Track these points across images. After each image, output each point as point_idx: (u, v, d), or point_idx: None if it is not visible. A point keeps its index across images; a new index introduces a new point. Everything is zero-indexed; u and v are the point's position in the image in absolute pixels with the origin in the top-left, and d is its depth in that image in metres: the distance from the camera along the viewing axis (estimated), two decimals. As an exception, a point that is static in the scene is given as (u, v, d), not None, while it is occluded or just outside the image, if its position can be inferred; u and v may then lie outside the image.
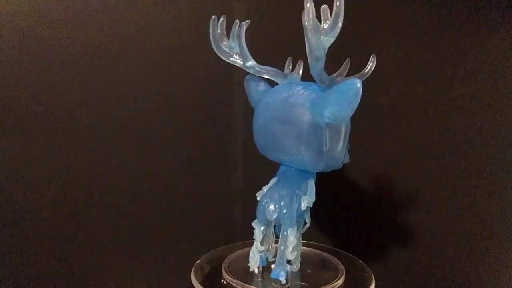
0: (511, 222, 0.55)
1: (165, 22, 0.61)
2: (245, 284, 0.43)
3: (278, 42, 0.62)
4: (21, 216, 0.56)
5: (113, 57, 0.59)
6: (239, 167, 0.69)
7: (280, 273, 0.41)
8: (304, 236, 0.48)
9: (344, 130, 0.43)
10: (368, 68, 0.44)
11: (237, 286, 0.43)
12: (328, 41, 0.38)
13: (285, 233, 0.42)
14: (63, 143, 0.58)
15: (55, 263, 0.58)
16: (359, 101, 0.37)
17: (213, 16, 0.43)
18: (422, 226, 0.60)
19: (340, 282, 0.45)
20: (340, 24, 0.36)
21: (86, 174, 0.59)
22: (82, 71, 0.57)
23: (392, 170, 0.61)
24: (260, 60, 0.45)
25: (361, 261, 0.51)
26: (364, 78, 0.44)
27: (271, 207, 0.41)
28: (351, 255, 0.53)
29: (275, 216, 0.41)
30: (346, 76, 0.44)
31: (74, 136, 0.58)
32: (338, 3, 0.36)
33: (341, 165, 0.45)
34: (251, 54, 0.44)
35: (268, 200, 0.42)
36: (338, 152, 0.43)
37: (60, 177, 0.58)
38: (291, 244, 0.41)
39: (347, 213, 0.65)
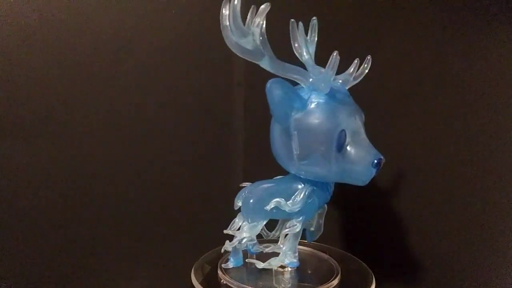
0: None
1: (165, 22, 0.61)
2: (242, 285, 0.43)
3: (280, 41, 0.62)
4: (21, 216, 0.56)
5: (113, 58, 0.59)
6: (239, 167, 0.69)
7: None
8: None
9: (314, 137, 0.39)
10: (352, 69, 0.43)
11: (234, 286, 0.43)
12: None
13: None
14: (63, 143, 0.58)
15: (55, 263, 0.58)
16: (271, 100, 0.38)
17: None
18: (422, 226, 0.60)
19: (335, 282, 0.45)
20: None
21: (86, 174, 0.59)
22: (82, 72, 0.57)
23: (392, 169, 0.61)
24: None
25: (360, 261, 0.51)
26: (353, 78, 0.43)
27: (236, 197, 0.46)
28: (350, 255, 0.53)
29: (236, 205, 0.46)
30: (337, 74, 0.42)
31: (74, 136, 0.58)
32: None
33: (363, 182, 0.40)
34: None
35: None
36: (311, 160, 0.40)
37: (60, 177, 0.58)
38: (239, 235, 0.44)
39: (347, 213, 0.65)
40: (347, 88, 0.43)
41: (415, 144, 0.60)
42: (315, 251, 0.53)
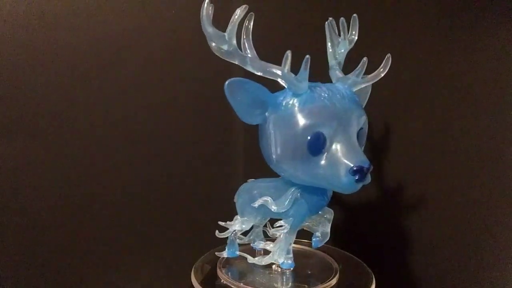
0: None
1: (164, 22, 0.61)
2: (242, 284, 0.43)
3: (280, 41, 0.62)
4: (21, 216, 0.56)
5: (113, 58, 0.59)
6: (239, 167, 0.69)
7: None
8: (304, 235, 0.48)
9: (287, 138, 0.38)
10: (358, 71, 0.40)
11: (234, 286, 0.43)
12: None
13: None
14: (63, 144, 0.58)
15: (55, 263, 0.58)
16: (229, 99, 0.38)
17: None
18: (423, 225, 0.60)
19: (334, 281, 0.45)
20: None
21: (86, 174, 0.59)
22: (82, 72, 0.58)
23: (393, 169, 0.61)
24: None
25: (360, 261, 0.51)
26: (357, 80, 0.40)
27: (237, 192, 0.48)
28: (350, 254, 0.53)
29: (235, 199, 0.48)
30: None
31: (74, 137, 0.58)
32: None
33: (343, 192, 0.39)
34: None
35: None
36: (286, 162, 0.39)
37: (61, 177, 0.58)
38: (231, 227, 0.47)
39: (347, 213, 0.65)
40: (354, 89, 0.41)
41: (415, 144, 0.60)
42: (315, 250, 0.53)
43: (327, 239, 0.47)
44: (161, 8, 0.60)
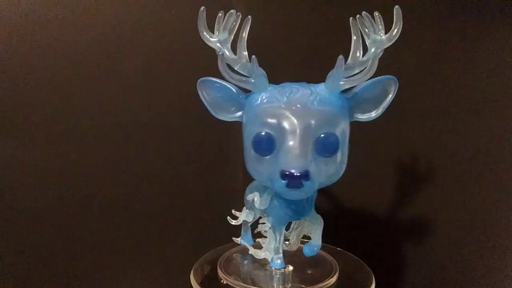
0: None
1: (164, 21, 0.61)
2: (241, 284, 0.43)
3: (280, 42, 0.62)
4: (21, 216, 0.56)
5: (113, 58, 0.59)
6: (239, 167, 0.69)
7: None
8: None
9: (244, 138, 0.39)
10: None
11: (235, 286, 0.43)
12: None
13: None
14: (63, 144, 0.58)
15: (55, 263, 0.59)
16: (201, 97, 0.41)
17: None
18: (423, 225, 0.60)
19: (333, 280, 0.45)
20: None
21: (87, 174, 0.59)
22: (83, 72, 0.58)
23: (394, 169, 0.61)
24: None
25: (360, 260, 0.51)
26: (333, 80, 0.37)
27: None
28: (350, 254, 0.53)
29: None
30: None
31: (74, 136, 0.58)
32: None
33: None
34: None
35: None
36: (246, 160, 0.39)
37: (61, 177, 0.58)
38: (240, 216, 0.46)
39: (348, 213, 0.65)
40: (335, 91, 0.37)
41: (415, 144, 0.60)
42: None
43: (316, 248, 0.45)
44: (161, 8, 0.60)
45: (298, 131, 0.35)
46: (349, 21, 0.37)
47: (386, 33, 0.36)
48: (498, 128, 0.55)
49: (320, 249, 0.53)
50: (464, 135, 0.57)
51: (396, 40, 0.36)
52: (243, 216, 0.46)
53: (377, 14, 0.37)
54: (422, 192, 0.59)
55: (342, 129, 0.36)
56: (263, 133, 0.36)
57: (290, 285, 0.44)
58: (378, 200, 0.62)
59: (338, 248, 0.54)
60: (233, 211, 0.47)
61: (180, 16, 0.61)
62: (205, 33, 0.41)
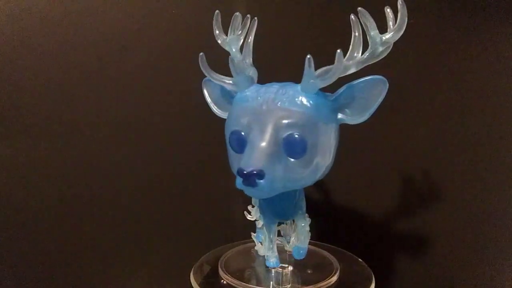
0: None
1: (165, 21, 0.61)
2: (243, 283, 0.43)
3: (280, 42, 0.62)
4: (21, 216, 0.56)
5: (113, 58, 0.59)
6: (239, 167, 0.69)
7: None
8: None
9: (226, 138, 0.40)
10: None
11: (236, 286, 0.43)
12: None
13: None
14: (63, 144, 0.58)
15: (55, 263, 0.58)
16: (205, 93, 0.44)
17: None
18: (423, 225, 0.60)
19: (334, 278, 0.45)
20: None
21: (87, 175, 0.59)
22: (83, 72, 0.58)
23: (394, 169, 0.61)
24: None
25: (360, 260, 0.51)
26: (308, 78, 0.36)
27: None
28: (351, 254, 0.53)
29: None
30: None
31: (75, 137, 0.58)
32: None
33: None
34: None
35: None
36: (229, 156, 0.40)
37: (60, 178, 0.58)
38: (252, 213, 0.46)
39: (347, 212, 0.65)
40: (313, 90, 0.36)
41: (415, 144, 0.60)
42: (316, 248, 0.53)
43: (302, 251, 0.44)
44: (161, 8, 0.60)
45: (262, 130, 0.35)
46: (349, 21, 0.37)
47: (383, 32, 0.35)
48: (498, 128, 0.55)
49: (320, 248, 0.53)
50: (464, 135, 0.57)
51: (396, 40, 0.36)
52: (253, 212, 0.47)
53: (388, 9, 0.35)
54: (423, 192, 0.59)
55: (317, 131, 0.35)
56: (235, 131, 0.37)
57: (290, 285, 0.44)
58: (378, 200, 0.62)
59: (339, 248, 0.54)
60: (249, 207, 0.48)
61: (180, 16, 0.61)
62: (218, 32, 0.42)
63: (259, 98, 0.36)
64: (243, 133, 0.36)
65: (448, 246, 0.58)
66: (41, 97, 0.56)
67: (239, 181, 0.34)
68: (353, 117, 0.37)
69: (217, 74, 0.39)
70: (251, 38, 0.40)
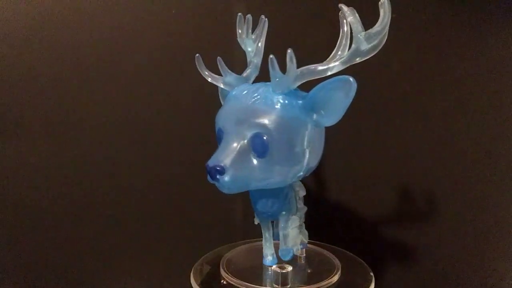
0: None
1: (165, 21, 0.61)
2: (244, 283, 0.43)
3: (280, 42, 0.62)
4: (22, 216, 0.56)
5: (113, 58, 0.59)
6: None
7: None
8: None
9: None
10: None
11: (237, 286, 0.43)
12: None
13: None
14: (63, 144, 0.58)
15: (55, 263, 0.58)
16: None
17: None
18: (423, 225, 0.60)
19: (335, 278, 0.45)
20: None
21: (87, 174, 0.59)
22: (83, 72, 0.58)
23: (395, 169, 0.61)
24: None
25: (361, 260, 0.51)
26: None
27: None
28: (351, 253, 0.53)
29: None
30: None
31: (75, 137, 0.58)
32: None
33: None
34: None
35: None
36: None
37: (61, 178, 0.58)
38: None
39: (347, 212, 0.65)
40: (284, 90, 0.36)
41: (415, 144, 0.60)
42: (316, 248, 0.53)
43: (285, 252, 0.43)
44: (161, 8, 0.60)
45: (233, 128, 0.36)
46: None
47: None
48: (499, 128, 0.55)
49: (321, 248, 0.53)
50: (465, 135, 0.57)
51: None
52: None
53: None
54: (423, 192, 0.59)
55: (285, 131, 0.35)
56: (218, 129, 0.38)
57: (290, 285, 0.44)
58: (379, 200, 0.62)
59: (339, 248, 0.54)
60: None
61: (180, 16, 0.61)
62: (240, 32, 0.43)
63: (240, 97, 0.37)
64: (223, 131, 0.37)
65: (449, 246, 0.58)
66: (41, 97, 0.56)
67: (208, 177, 0.36)
68: (327, 118, 0.36)
69: (212, 74, 0.41)
70: (262, 39, 0.41)
